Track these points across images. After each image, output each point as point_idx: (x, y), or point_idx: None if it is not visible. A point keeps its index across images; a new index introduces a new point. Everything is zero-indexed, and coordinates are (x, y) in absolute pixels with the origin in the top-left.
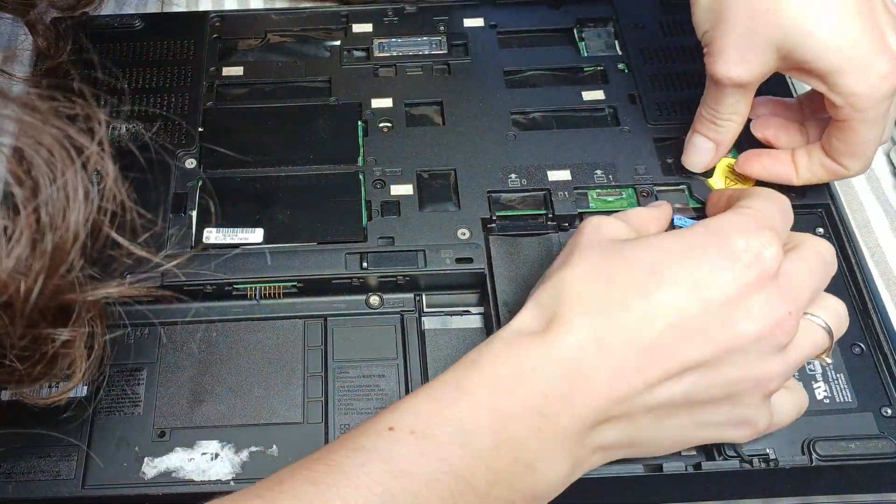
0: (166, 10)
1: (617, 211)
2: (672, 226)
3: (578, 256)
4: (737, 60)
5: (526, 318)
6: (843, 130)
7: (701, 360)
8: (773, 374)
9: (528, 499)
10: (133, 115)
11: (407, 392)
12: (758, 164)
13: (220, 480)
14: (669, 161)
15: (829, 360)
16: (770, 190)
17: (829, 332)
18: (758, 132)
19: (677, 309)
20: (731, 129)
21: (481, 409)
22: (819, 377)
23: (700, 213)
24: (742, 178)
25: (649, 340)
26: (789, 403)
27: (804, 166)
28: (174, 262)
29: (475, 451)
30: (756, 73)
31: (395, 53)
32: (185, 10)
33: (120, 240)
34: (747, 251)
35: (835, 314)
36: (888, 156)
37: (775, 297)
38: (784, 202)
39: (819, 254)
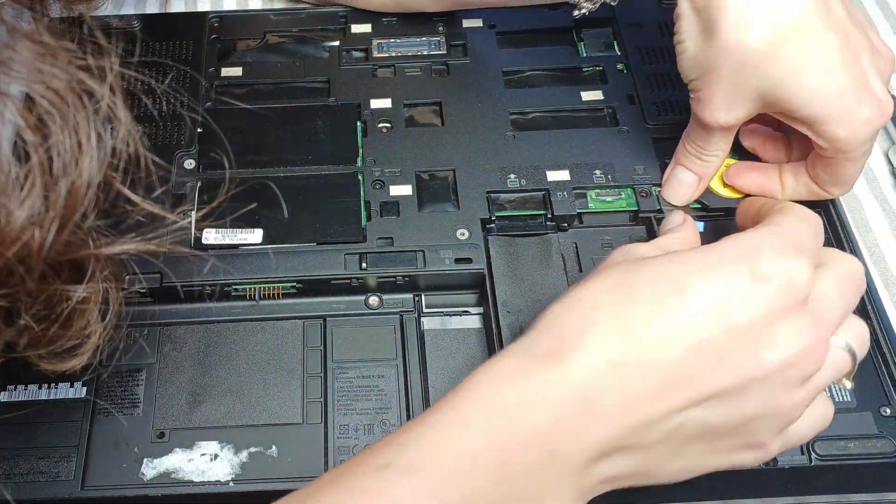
0: (165, 10)
1: (617, 211)
2: None
3: (599, 274)
4: (724, 108)
5: (536, 337)
6: (828, 165)
7: (721, 390)
8: (795, 404)
9: None
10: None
11: (406, 393)
12: (748, 178)
13: (219, 481)
14: (668, 161)
15: (849, 385)
16: (803, 207)
17: (853, 356)
18: (746, 141)
19: (699, 331)
20: (715, 164)
21: (483, 441)
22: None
23: (699, 213)
24: None
25: (667, 365)
26: (808, 420)
27: (790, 186)
28: (187, 220)
29: (475, 489)
30: (742, 117)
31: (393, 54)
32: (184, 10)
33: (132, 196)
34: (779, 274)
35: (859, 336)
36: (887, 156)
37: (804, 324)
38: (817, 222)
39: (850, 275)
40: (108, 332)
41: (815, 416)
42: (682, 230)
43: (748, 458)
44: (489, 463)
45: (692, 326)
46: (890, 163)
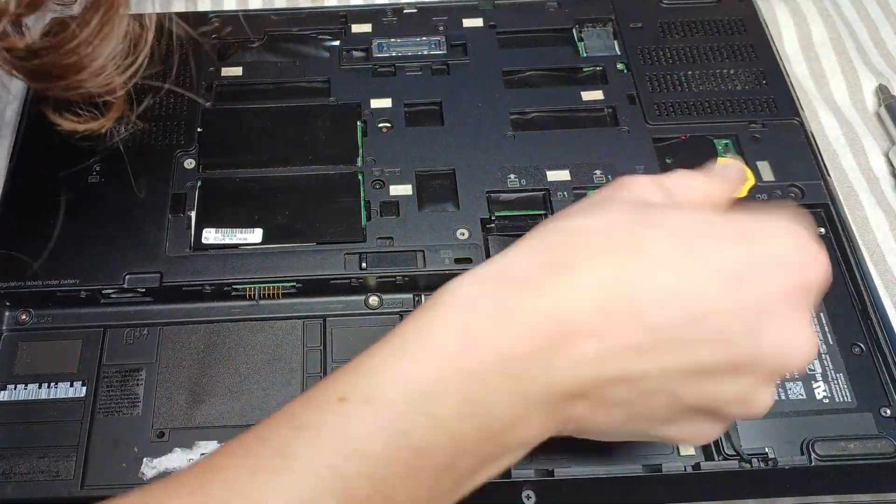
0: (165, 10)
1: None
2: None
3: (602, 209)
4: None
5: (518, 257)
6: None
7: (709, 366)
8: (766, 401)
9: (490, 467)
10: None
11: None
12: None
13: None
14: (669, 161)
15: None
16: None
17: None
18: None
19: (706, 301)
20: None
21: (449, 368)
22: (819, 377)
23: None
24: None
25: (662, 326)
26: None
27: None
28: None
29: (438, 420)
30: None
31: (394, 54)
32: (184, 10)
33: None
34: (803, 267)
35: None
36: (887, 156)
37: (808, 324)
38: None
39: None
40: (130, 88)
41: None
42: (698, 176)
43: (691, 438)
44: (455, 392)
45: (700, 294)
46: (890, 163)
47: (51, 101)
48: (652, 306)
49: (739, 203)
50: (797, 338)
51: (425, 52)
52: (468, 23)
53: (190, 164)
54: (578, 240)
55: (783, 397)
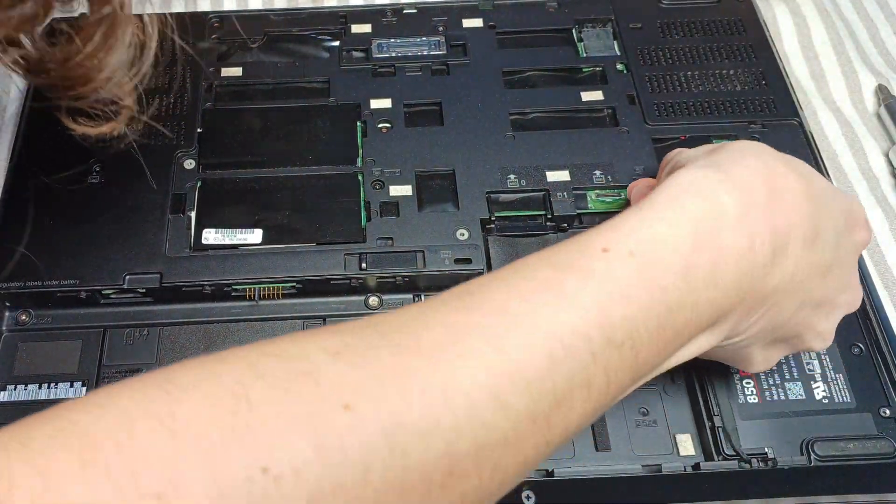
0: (165, 10)
1: (617, 212)
2: None
3: (774, 158)
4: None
5: (737, 166)
6: None
7: (830, 289)
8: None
9: (691, 347)
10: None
11: None
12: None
13: None
14: None
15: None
16: None
17: None
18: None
19: (840, 233)
20: None
21: (702, 241)
22: (818, 377)
23: None
24: None
25: (829, 265)
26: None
27: None
28: None
29: (690, 284)
30: None
31: (393, 54)
32: (184, 10)
33: None
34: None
35: None
36: (887, 156)
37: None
38: None
39: None
40: (138, 90)
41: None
42: None
43: (766, 363)
44: (705, 264)
45: (840, 225)
46: (890, 163)
47: (63, 106)
48: (828, 226)
49: None
50: (860, 286)
51: (425, 53)
52: (468, 23)
53: (190, 164)
54: (763, 152)
55: (783, 397)
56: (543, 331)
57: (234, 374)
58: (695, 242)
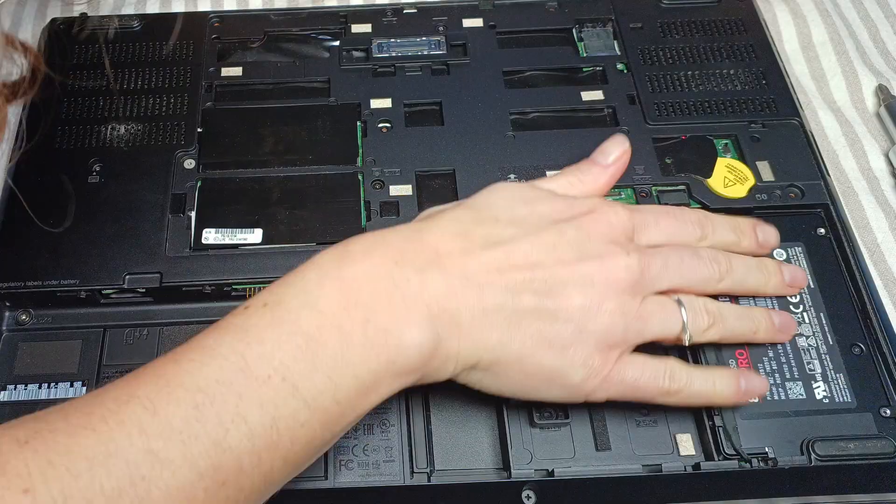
0: (165, 10)
1: None
2: None
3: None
4: None
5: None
6: None
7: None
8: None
9: (390, 365)
10: (132, 116)
11: (405, 392)
12: None
13: None
14: (668, 161)
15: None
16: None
17: (682, 315)
18: None
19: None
20: None
21: (330, 276)
22: (818, 377)
23: None
24: (740, 178)
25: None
26: (699, 375)
27: None
28: None
29: (322, 313)
30: None
31: (394, 54)
32: (184, 10)
33: None
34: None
35: (700, 311)
36: (887, 156)
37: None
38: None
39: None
40: (10, 102)
41: (709, 377)
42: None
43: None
44: (336, 291)
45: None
46: (890, 163)
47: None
48: (490, 229)
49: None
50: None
51: (425, 53)
52: (468, 23)
53: (190, 164)
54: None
55: (783, 397)
56: (186, 385)
57: None
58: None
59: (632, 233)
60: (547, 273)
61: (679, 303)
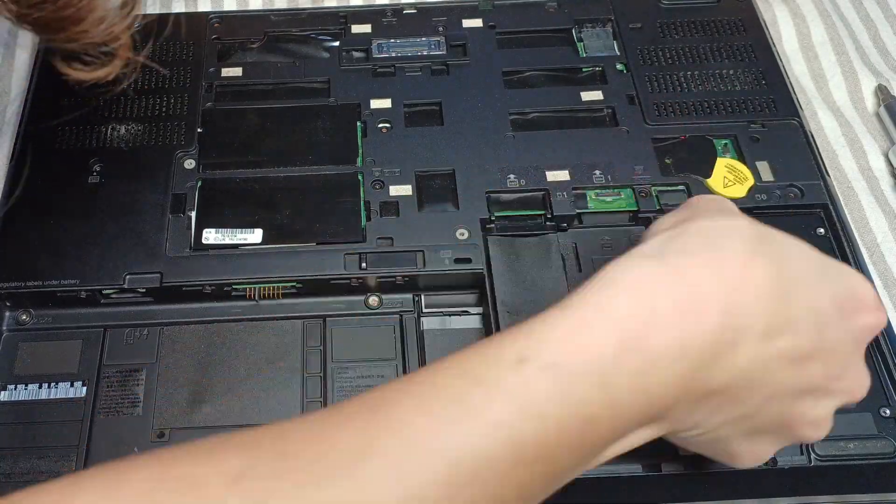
0: (165, 10)
1: (617, 212)
2: None
3: (733, 215)
4: None
5: (681, 242)
6: None
7: (816, 380)
8: (832, 420)
9: (625, 443)
10: (132, 116)
11: None
12: None
13: None
14: (668, 161)
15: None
16: None
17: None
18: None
19: (831, 322)
20: None
21: (628, 346)
22: None
23: None
24: (740, 178)
25: (805, 335)
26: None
27: None
28: None
29: (611, 395)
30: None
31: (393, 54)
32: (184, 10)
33: None
34: (881, 308)
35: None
36: (887, 156)
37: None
38: None
39: None
40: (132, 28)
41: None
42: None
43: (753, 456)
44: (628, 367)
45: (828, 315)
46: (890, 163)
47: (59, 52)
48: (802, 314)
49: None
50: (866, 373)
51: (425, 53)
52: (468, 23)
53: (190, 164)
54: (731, 234)
55: None
56: (444, 455)
57: None
58: (618, 348)
59: None
60: (814, 382)
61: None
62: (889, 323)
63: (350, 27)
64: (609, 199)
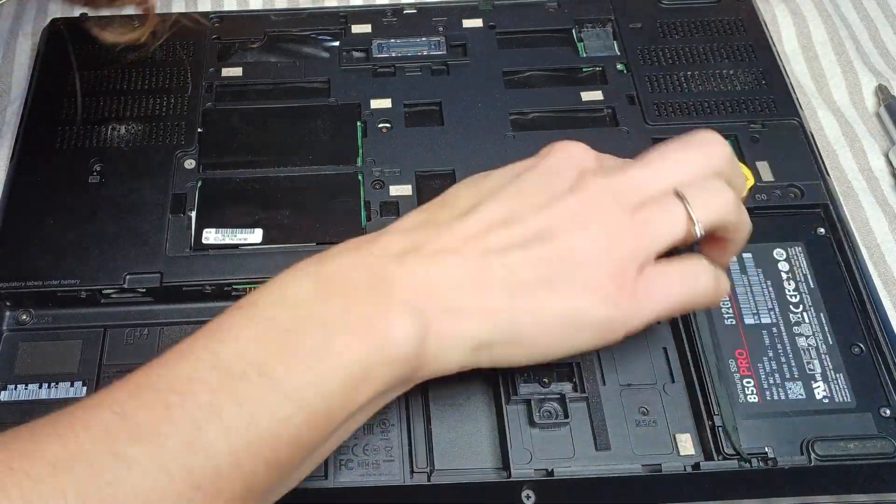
0: (165, 10)
1: None
2: None
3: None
4: None
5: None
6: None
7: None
8: (618, 228)
9: (377, 352)
10: (132, 116)
11: (405, 395)
12: None
13: None
14: None
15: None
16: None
17: (684, 203)
18: None
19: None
20: None
21: (307, 273)
22: (818, 377)
23: None
24: None
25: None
26: (674, 268)
27: None
28: None
29: (298, 306)
30: None
31: (394, 54)
32: (184, 10)
33: None
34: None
35: (699, 188)
36: (887, 156)
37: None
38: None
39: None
40: None
41: (684, 270)
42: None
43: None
44: (314, 290)
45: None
46: (890, 163)
47: (93, 19)
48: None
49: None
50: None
51: (425, 53)
52: (468, 23)
53: (190, 164)
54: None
55: (783, 397)
56: (157, 387)
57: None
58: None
59: (598, 161)
60: (523, 222)
61: (677, 194)
62: (889, 323)
63: (350, 27)
64: None
